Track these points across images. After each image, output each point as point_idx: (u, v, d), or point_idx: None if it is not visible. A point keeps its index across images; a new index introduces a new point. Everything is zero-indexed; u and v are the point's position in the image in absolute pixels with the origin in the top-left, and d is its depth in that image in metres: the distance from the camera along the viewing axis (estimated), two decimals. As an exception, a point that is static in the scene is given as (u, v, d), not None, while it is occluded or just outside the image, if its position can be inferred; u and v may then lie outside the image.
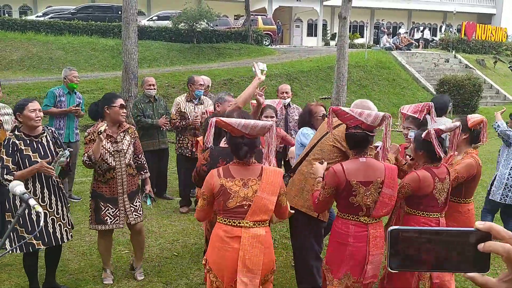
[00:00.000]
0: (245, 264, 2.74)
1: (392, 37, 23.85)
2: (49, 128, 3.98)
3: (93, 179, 4.14)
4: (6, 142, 3.69)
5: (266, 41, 23.85)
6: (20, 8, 30.12)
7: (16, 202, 3.72)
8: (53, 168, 3.70)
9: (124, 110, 4.09)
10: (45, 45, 17.00)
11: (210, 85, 6.87)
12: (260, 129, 2.90)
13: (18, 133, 3.76)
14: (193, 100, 6.21)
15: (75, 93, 6.30)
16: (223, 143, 3.49)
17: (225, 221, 2.84)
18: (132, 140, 4.16)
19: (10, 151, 3.66)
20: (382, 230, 3.11)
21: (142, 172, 4.27)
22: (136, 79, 11.19)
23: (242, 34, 21.88)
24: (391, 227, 0.99)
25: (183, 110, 6.14)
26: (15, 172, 3.63)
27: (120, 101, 4.04)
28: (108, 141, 4.02)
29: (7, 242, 3.76)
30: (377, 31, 33.71)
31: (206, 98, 6.43)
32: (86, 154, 3.95)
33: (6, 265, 4.51)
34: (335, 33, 34.60)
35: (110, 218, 4.07)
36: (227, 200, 2.81)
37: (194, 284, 4.27)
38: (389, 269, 0.99)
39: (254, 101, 4.17)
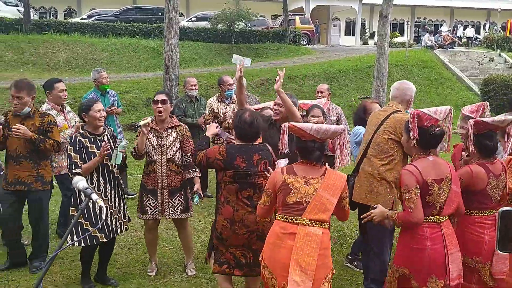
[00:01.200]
0: (298, 262, 2.74)
1: (434, 36, 23.26)
2: (108, 127, 4.19)
3: (143, 170, 4.33)
4: (72, 140, 3.94)
5: (303, 40, 23.76)
6: (65, 11, 31.29)
7: (82, 197, 3.91)
8: (112, 147, 3.94)
9: (159, 105, 4.20)
10: (89, 47, 17.58)
11: (245, 85, 6.94)
12: (332, 133, 2.97)
13: (83, 131, 3.99)
14: (225, 100, 6.34)
15: (108, 92, 6.43)
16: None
17: (282, 217, 2.89)
18: (178, 137, 4.26)
19: (78, 148, 3.90)
20: (452, 227, 3.06)
21: (190, 171, 4.33)
22: (177, 79, 11.41)
23: (280, 34, 21.89)
24: (502, 208, 0.96)
25: (215, 111, 6.26)
26: (82, 165, 3.87)
27: (159, 96, 4.22)
28: (154, 135, 4.19)
29: (69, 237, 3.97)
30: (417, 29, 32.93)
31: None
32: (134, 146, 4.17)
33: (58, 258, 4.70)
34: (374, 31, 34.08)
35: (150, 209, 4.24)
36: (287, 195, 2.86)
37: (237, 281, 4.33)
38: (498, 251, 0.97)
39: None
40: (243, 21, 20.56)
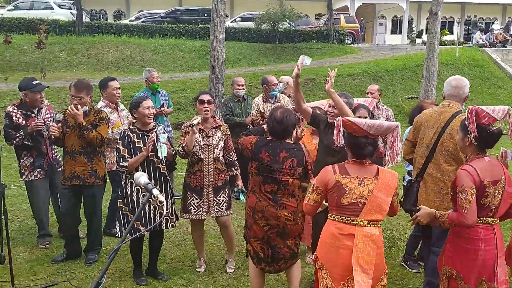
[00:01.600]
0: (359, 263, 2.75)
1: (485, 34, 22.34)
2: (159, 124, 4.29)
3: (186, 169, 4.40)
4: (122, 135, 4.09)
5: (348, 39, 23.43)
6: (114, 13, 32.31)
7: (127, 190, 4.05)
8: (160, 146, 4.02)
9: (205, 105, 4.26)
10: (137, 48, 18.09)
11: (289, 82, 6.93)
12: (385, 129, 2.94)
13: (133, 127, 4.12)
14: (270, 100, 6.35)
15: (159, 92, 6.56)
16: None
17: (337, 218, 2.88)
18: (223, 136, 4.33)
19: (126, 143, 4.04)
20: (501, 230, 2.98)
21: (232, 169, 4.41)
22: (222, 79, 11.54)
23: (324, 33, 21.70)
24: None
25: (262, 111, 6.28)
26: (129, 159, 3.99)
27: (205, 96, 4.28)
28: (200, 134, 4.26)
29: (117, 228, 4.12)
30: (468, 27, 31.74)
31: (283, 97, 6.53)
32: (181, 145, 4.24)
33: (111, 251, 4.87)
34: (422, 30, 33.17)
35: (194, 208, 4.28)
36: (342, 196, 2.85)
37: (284, 279, 4.32)
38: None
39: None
40: (287, 21, 20.53)
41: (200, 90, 13.47)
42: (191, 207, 4.28)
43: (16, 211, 5.99)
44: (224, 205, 4.33)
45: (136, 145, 4.05)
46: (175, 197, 6.55)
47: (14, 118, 4.69)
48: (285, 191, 3.48)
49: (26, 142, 4.70)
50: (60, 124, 4.47)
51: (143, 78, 6.47)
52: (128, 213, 4.05)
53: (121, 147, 4.02)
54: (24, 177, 4.82)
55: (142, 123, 4.11)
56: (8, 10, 21.14)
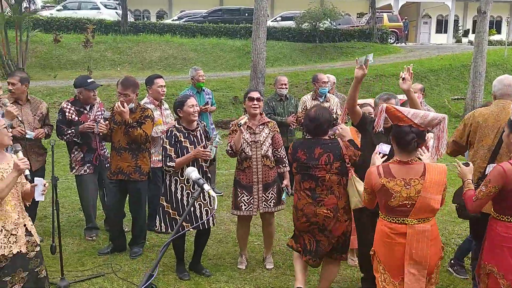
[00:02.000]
0: (412, 258, 2.82)
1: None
2: (202, 122, 4.33)
3: (235, 167, 4.44)
4: (168, 134, 4.13)
5: (391, 39, 22.96)
6: (157, 13, 33.01)
7: (172, 187, 4.12)
8: (209, 151, 4.06)
9: (255, 102, 4.29)
10: (179, 47, 18.40)
11: (335, 82, 6.85)
12: (431, 119, 2.88)
13: (178, 126, 4.16)
14: (319, 98, 6.28)
15: (203, 90, 6.63)
16: None
17: (388, 218, 2.92)
18: (270, 133, 4.33)
19: (173, 142, 4.08)
20: None
21: (281, 166, 4.40)
22: (263, 78, 11.55)
23: (366, 32, 21.35)
24: None
25: (308, 108, 6.20)
26: (176, 159, 4.04)
27: (255, 94, 4.33)
28: (248, 131, 4.28)
29: (158, 223, 4.20)
30: (517, 26, 30.41)
31: (332, 96, 6.46)
32: (229, 143, 4.26)
33: (154, 246, 4.98)
34: (468, 29, 32.09)
35: (245, 205, 4.31)
36: (389, 199, 2.86)
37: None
38: None
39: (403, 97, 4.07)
40: (328, 20, 20.34)
41: (240, 89, 13.60)
42: (242, 203, 4.32)
43: (64, 204, 6.21)
44: (272, 201, 4.33)
45: (183, 144, 4.09)
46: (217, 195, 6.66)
47: (67, 114, 4.86)
48: (323, 187, 3.52)
49: (76, 139, 4.85)
50: (107, 121, 4.60)
51: (189, 76, 6.56)
52: (171, 211, 4.12)
53: (168, 146, 4.06)
54: (74, 171, 4.99)
55: (187, 121, 4.16)
56: (57, 10, 21.99)
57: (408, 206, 2.82)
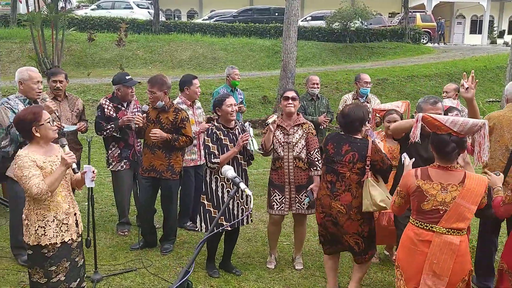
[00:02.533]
0: (432, 268, 2.75)
1: None
2: (239, 121, 4.35)
3: (271, 166, 4.45)
4: (209, 132, 4.18)
5: (424, 39, 22.53)
6: (188, 12, 33.37)
7: (212, 185, 4.16)
8: (250, 135, 4.12)
9: (290, 101, 4.26)
10: (210, 46, 18.54)
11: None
12: (471, 126, 2.81)
13: (218, 124, 4.21)
14: (360, 98, 6.19)
15: (237, 90, 6.66)
16: None
17: (417, 223, 2.87)
18: (304, 135, 4.29)
19: (214, 140, 4.13)
20: None
21: (312, 169, 4.29)
22: (293, 77, 11.52)
23: (398, 32, 21.02)
24: None
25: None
26: (219, 156, 4.09)
27: (290, 93, 4.28)
28: (281, 132, 4.27)
29: (198, 222, 4.24)
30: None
31: (374, 97, 6.37)
32: (261, 143, 4.30)
33: (184, 243, 5.03)
34: (504, 30, 31.18)
35: (276, 204, 4.31)
36: (422, 202, 2.81)
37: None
38: None
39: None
40: (359, 20, 20.12)
41: (269, 88, 13.61)
42: (274, 203, 4.32)
43: (97, 199, 6.34)
44: (305, 203, 4.31)
45: (223, 142, 4.13)
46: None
47: (106, 110, 4.95)
48: (342, 183, 3.63)
49: (115, 134, 4.95)
50: (145, 114, 4.66)
51: (225, 74, 6.61)
52: (212, 209, 4.14)
53: (210, 144, 4.10)
54: (111, 167, 5.08)
55: (226, 120, 4.18)
56: (92, 9, 22.51)
57: (441, 212, 2.76)
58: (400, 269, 2.91)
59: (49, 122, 3.03)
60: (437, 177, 2.80)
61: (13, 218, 4.35)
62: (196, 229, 4.31)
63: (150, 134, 4.49)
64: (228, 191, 4.14)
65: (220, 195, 4.13)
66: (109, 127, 4.90)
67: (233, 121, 4.22)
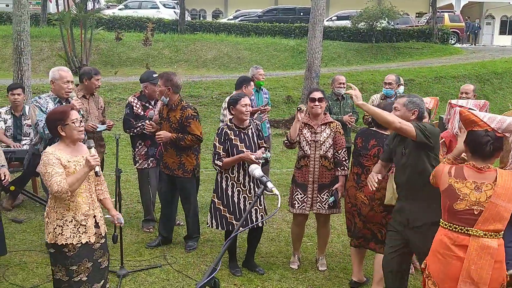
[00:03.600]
0: (470, 275, 2.58)
1: None
2: (254, 121, 4.35)
3: (295, 165, 4.45)
4: (219, 131, 4.19)
5: (452, 39, 22.08)
6: (213, 12, 33.56)
7: (223, 184, 4.18)
8: (257, 158, 4.08)
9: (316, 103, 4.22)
10: (234, 46, 18.59)
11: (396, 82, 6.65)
12: (508, 125, 2.70)
13: (230, 124, 4.22)
14: (388, 99, 6.13)
15: (262, 89, 6.65)
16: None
17: (450, 226, 2.71)
18: (332, 134, 4.26)
19: (222, 140, 4.13)
20: None
21: (338, 168, 4.27)
22: (318, 77, 11.46)
23: (426, 32, 20.67)
24: None
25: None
26: (224, 159, 4.08)
27: (316, 94, 4.24)
28: (308, 130, 4.25)
29: (208, 219, 4.29)
30: None
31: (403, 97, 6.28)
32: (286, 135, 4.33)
33: (208, 240, 5.06)
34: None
35: (298, 203, 4.30)
36: (455, 201, 2.67)
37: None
38: None
39: None
40: (386, 20, 19.85)
41: (294, 88, 13.56)
42: (295, 201, 4.32)
43: (123, 196, 6.39)
44: (327, 203, 4.28)
45: (233, 142, 4.13)
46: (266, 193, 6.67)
47: (134, 108, 5.03)
48: (367, 175, 3.74)
49: (145, 132, 4.96)
50: (152, 120, 4.78)
51: (250, 75, 6.60)
52: (222, 208, 4.17)
53: (217, 144, 4.12)
54: (137, 164, 5.16)
55: (239, 120, 4.19)
56: (119, 9, 22.87)
57: (476, 213, 2.60)
58: (432, 278, 2.74)
59: (74, 122, 3.04)
60: (471, 175, 2.69)
61: None
62: (207, 225, 4.34)
63: (156, 137, 4.58)
64: (239, 191, 4.15)
65: (230, 194, 4.15)
66: (139, 125, 4.95)
67: (246, 121, 4.22)
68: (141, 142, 5.10)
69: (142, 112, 5.03)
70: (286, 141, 4.35)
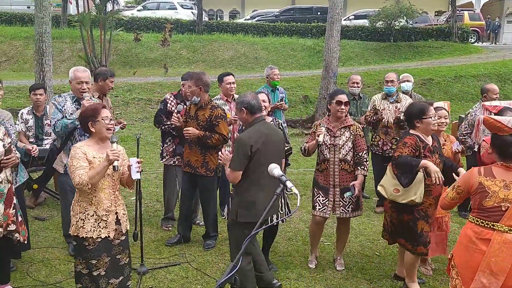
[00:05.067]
0: (489, 266, 2.73)
1: None
2: (276, 120, 4.38)
3: (315, 167, 4.47)
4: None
5: (472, 38, 21.76)
6: (230, 12, 33.69)
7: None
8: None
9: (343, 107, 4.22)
10: (251, 46, 18.63)
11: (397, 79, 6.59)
12: None
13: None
14: (389, 98, 6.06)
15: (278, 89, 6.70)
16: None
17: (477, 221, 2.86)
18: (351, 137, 4.25)
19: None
20: None
21: (359, 167, 4.24)
22: (335, 77, 11.42)
23: (445, 31, 20.40)
24: None
25: (377, 108, 6.01)
26: None
27: (343, 97, 4.24)
28: (327, 134, 4.25)
29: (225, 212, 4.32)
30: None
31: (405, 97, 6.22)
32: (305, 143, 4.35)
33: (226, 239, 5.04)
34: (559, 28, 29.61)
35: (319, 206, 4.31)
36: (484, 198, 2.81)
37: (398, 286, 4.18)
38: None
39: None
40: (405, 18, 19.66)
41: (310, 88, 13.54)
42: (317, 203, 4.33)
43: (143, 194, 6.50)
44: (350, 206, 4.28)
45: None
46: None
47: (168, 105, 5.14)
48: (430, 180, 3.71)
49: (172, 131, 5.05)
50: (180, 114, 4.80)
51: (265, 75, 6.65)
52: None
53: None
54: (164, 160, 5.25)
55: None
56: (138, 10, 23.12)
57: (503, 209, 2.74)
58: (457, 268, 2.91)
59: (104, 119, 3.16)
60: (500, 174, 2.83)
61: (63, 207, 4.57)
62: (223, 217, 4.37)
63: (183, 132, 4.61)
64: None
65: None
66: (168, 123, 5.01)
67: (267, 119, 4.23)
68: (170, 139, 5.20)
69: (176, 110, 5.08)
70: (303, 151, 4.39)
